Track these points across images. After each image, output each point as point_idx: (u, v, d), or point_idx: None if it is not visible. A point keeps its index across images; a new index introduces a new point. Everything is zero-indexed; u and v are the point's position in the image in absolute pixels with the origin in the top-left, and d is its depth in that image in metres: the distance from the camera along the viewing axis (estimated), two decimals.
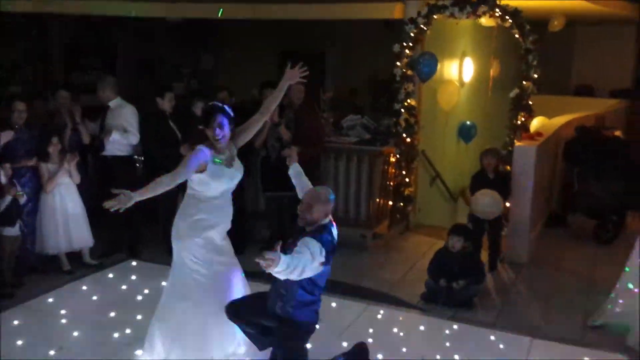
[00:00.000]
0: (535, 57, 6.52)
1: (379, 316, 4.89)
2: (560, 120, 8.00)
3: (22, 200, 5.23)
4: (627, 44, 11.24)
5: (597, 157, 7.08)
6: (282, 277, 3.22)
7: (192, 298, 3.87)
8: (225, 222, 3.94)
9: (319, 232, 3.47)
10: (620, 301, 4.71)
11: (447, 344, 4.45)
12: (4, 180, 5.07)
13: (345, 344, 4.02)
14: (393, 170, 7.16)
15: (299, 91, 6.19)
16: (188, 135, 5.97)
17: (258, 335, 3.82)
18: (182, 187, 5.16)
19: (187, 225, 3.85)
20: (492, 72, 8.72)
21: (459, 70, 8.44)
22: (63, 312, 4.84)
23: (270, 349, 3.87)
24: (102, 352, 4.19)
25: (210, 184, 3.77)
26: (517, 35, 6.56)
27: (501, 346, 4.44)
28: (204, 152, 3.70)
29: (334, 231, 3.60)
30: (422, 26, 6.89)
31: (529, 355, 4.33)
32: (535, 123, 7.54)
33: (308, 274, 3.33)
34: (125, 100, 6.12)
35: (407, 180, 7.23)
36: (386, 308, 5.07)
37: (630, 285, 4.61)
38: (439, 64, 7.02)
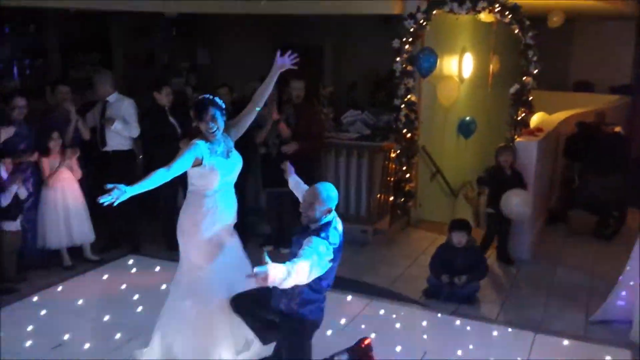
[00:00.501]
0: (535, 52, 6.51)
1: (381, 312, 4.89)
2: (560, 116, 8.00)
3: (23, 194, 5.22)
4: (626, 40, 11.26)
5: (597, 153, 7.08)
6: (289, 285, 3.17)
7: (198, 295, 3.84)
8: (229, 216, 3.92)
9: (324, 230, 3.45)
10: (620, 295, 4.72)
11: (450, 340, 4.45)
12: (4, 175, 5.05)
13: (347, 340, 4.01)
14: (393, 166, 7.15)
15: (298, 87, 6.18)
16: (188, 130, 5.96)
17: (263, 329, 3.79)
18: (183, 184, 5.14)
19: (191, 221, 3.83)
20: (491, 68, 8.72)
21: (459, 65, 8.44)
22: (64, 307, 4.84)
23: (274, 343, 3.88)
24: (104, 348, 4.18)
25: (210, 176, 3.76)
26: (516, 31, 6.55)
27: (504, 341, 4.45)
28: (199, 146, 3.70)
29: (340, 227, 3.58)
30: (421, 22, 6.88)
31: (531, 350, 4.33)
32: (535, 119, 7.55)
33: (316, 274, 3.32)
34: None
35: (407, 175, 7.22)
36: (388, 303, 5.07)
37: (632, 282, 4.61)
38: (438, 60, 7.01)
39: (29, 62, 8.31)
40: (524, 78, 6.62)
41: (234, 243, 4.01)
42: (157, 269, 5.68)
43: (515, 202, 5.73)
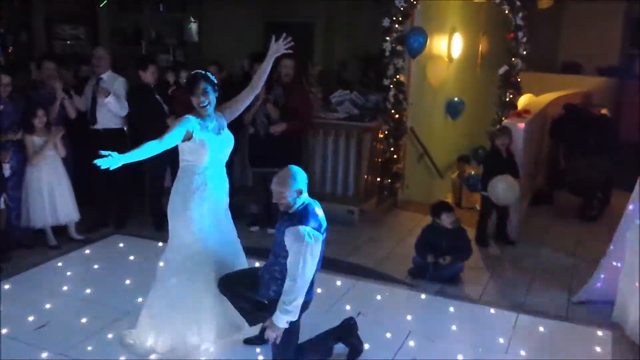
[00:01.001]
0: (525, 33, 6.49)
1: (367, 292, 4.92)
2: (547, 97, 8.02)
3: (6, 172, 5.16)
4: (614, 21, 11.26)
5: (584, 135, 7.12)
6: (300, 301, 3.44)
7: (186, 271, 3.86)
8: (220, 193, 3.93)
9: (304, 217, 3.46)
10: (602, 276, 4.78)
11: (434, 320, 4.50)
12: None
13: (333, 320, 4.04)
14: (381, 147, 7.15)
15: (287, 66, 6.13)
16: (174, 107, 5.91)
17: (250, 311, 3.82)
18: (171, 163, 5.10)
19: (182, 197, 3.84)
20: (480, 49, 8.70)
21: (448, 46, 8.41)
22: (49, 287, 4.82)
23: (260, 325, 3.90)
24: (90, 328, 4.17)
25: (199, 151, 3.77)
26: (507, 12, 6.52)
27: (487, 321, 4.50)
28: (189, 120, 3.74)
29: (319, 212, 3.59)
30: (412, 1, 6.82)
31: (514, 330, 4.39)
32: (523, 100, 7.56)
33: (311, 268, 3.41)
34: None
35: (395, 156, 7.23)
36: (374, 283, 5.11)
37: (615, 263, 4.67)
38: (428, 40, 6.98)
39: (13, 37, 8.15)
40: (513, 59, 6.62)
41: (226, 223, 4.02)
42: (143, 248, 5.66)
43: (502, 188, 5.76)
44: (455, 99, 8.49)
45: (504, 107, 6.70)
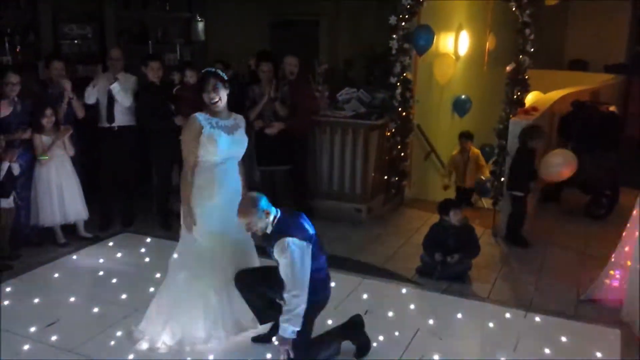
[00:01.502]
0: (532, 30, 6.46)
1: (374, 289, 4.92)
2: (555, 95, 7.98)
3: (16, 171, 5.19)
4: (621, 18, 11.21)
5: (592, 132, 7.08)
6: (300, 313, 3.47)
7: (195, 268, 3.88)
8: (230, 191, 3.93)
9: (283, 232, 3.49)
10: (611, 274, 4.76)
11: (442, 317, 4.50)
12: None
13: (340, 317, 4.05)
14: (388, 145, 7.14)
15: (291, 64, 6.13)
16: (180, 106, 5.93)
17: (264, 308, 3.83)
18: (178, 162, 5.10)
19: (192, 194, 3.85)
20: (487, 46, 8.66)
21: (455, 43, 8.38)
22: (59, 285, 4.85)
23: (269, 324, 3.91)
24: (98, 324, 4.20)
25: (207, 146, 3.80)
26: (514, 9, 6.50)
27: (495, 319, 4.50)
28: (196, 118, 3.80)
29: (296, 217, 3.63)
30: None
31: (522, 328, 4.38)
32: (530, 97, 7.53)
33: (303, 276, 3.44)
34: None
35: (402, 154, 7.22)
36: (381, 282, 5.11)
37: (623, 261, 4.65)
38: (435, 37, 6.96)
39: (21, 37, 8.19)
40: (520, 56, 6.59)
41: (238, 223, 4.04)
42: (151, 246, 5.70)
43: (557, 163, 5.84)
44: (462, 96, 8.46)
45: (512, 105, 6.67)
